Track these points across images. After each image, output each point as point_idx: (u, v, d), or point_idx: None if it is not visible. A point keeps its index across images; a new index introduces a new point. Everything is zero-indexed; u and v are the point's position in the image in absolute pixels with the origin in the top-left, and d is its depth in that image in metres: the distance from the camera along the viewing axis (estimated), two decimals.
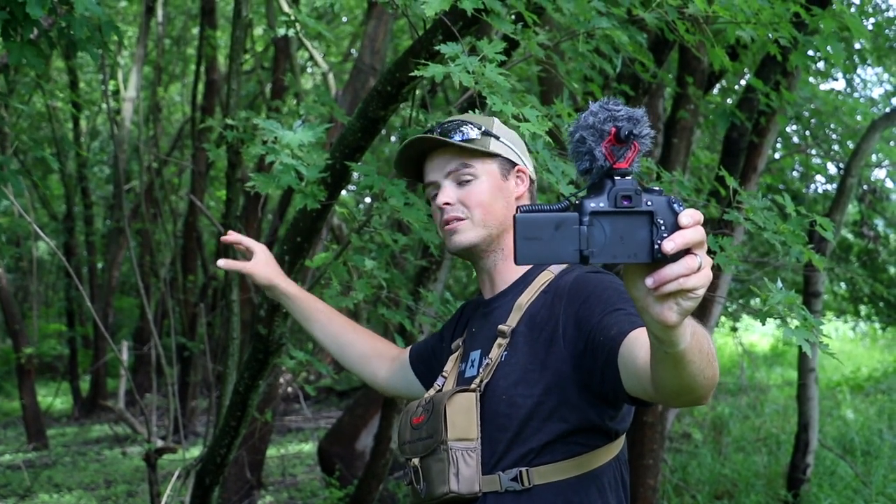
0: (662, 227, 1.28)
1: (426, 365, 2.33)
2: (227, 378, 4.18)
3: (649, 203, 1.30)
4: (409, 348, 2.44)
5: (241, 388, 3.53)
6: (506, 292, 2.06)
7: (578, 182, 2.83)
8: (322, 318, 2.48)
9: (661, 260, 1.28)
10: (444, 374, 2.10)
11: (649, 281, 1.28)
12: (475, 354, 2.04)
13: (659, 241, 1.28)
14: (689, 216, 1.28)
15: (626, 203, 1.30)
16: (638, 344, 1.64)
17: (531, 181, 2.13)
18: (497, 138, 2.07)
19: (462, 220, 2.03)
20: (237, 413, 3.59)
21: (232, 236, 2.56)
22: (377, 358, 2.45)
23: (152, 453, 4.73)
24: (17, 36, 2.91)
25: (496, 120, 2.14)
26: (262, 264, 2.49)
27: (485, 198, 2.03)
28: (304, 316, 2.50)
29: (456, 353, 2.12)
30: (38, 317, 14.56)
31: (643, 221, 1.30)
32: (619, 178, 1.33)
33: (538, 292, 1.98)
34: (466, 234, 2.03)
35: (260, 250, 2.51)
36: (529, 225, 1.31)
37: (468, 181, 2.04)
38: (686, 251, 1.27)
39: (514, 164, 2.09)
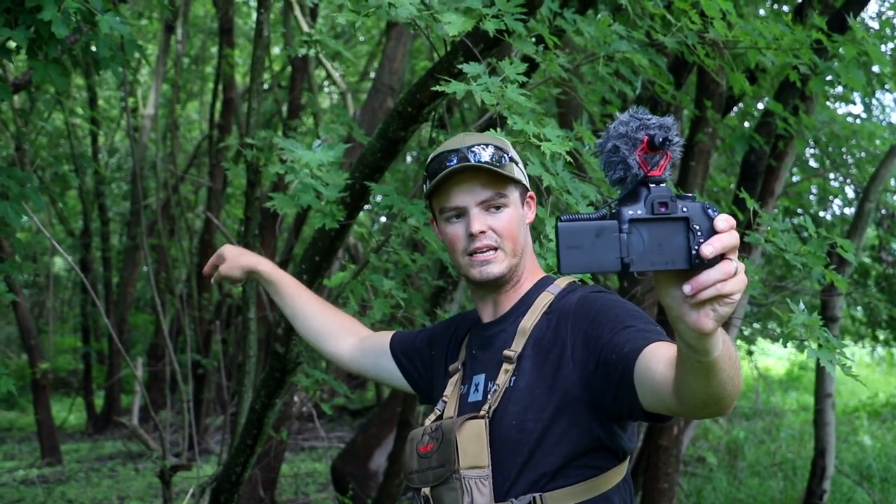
0: (699, 233, 1.29)
1: (409, 360, 2.30)
2: (243, 396, 4.18)
3: (685, 209, 1.31)
4: (389, 334, 2.39)
5: (257, 407, 3.53)
6: (506, 316, 2.04)
7: (597, 202, 2.83)
8: (289, 290, 2.47)
9: (698, 266, 1.28)
10: (444, 398, 2.07)
11: (687, 288, 1.28)
12: (479, 378, 2.02)
13: (696, 247, 1.28)
14: (725, 220, 1.28)
15: (662, 210, 1.31)
16: (655, 359, 1.63)
17: None
18: (517, 164, 2.05)
19: (495, 249, 1.99)
20: (253, 431, 3.60)
21: (206, 270, 2.55)
22: (342, 332, 2.42)
23: (167, 470, 4.73)
24: (42, 54, 2.94)
25: (509, 143, 2.10)
26: (234, 259, 2.48)
27: (514, 227, 2.00)
28: (273, 289, 2.49)
29: (455, 377, 2.09)
30: (53, 332, 14.62)
31: (680, 227, 1.30)
32: (653, 185, 1.34)
33: (540, 314, 1.97)
34: (499, 266, 1.99)
35: (225, 251, 2.50)
36: (572, 234, 1.31)
37: (498, 209, 1.99)
38: (721, 256, 1.27)
39: (527, 190, 2.08)
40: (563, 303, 1.96)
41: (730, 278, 1.27)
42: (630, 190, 1.35)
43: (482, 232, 1.97)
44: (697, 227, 1.29)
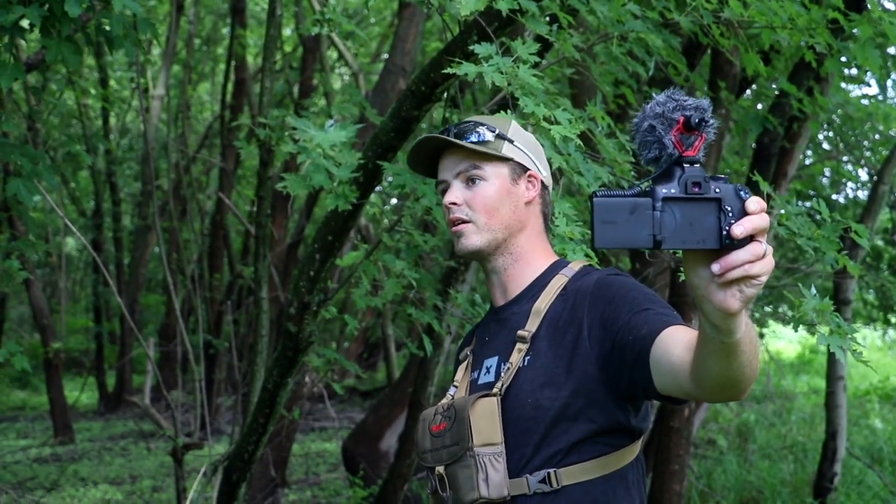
0: (730, 214, 1.32)
1: None
2: (255, 375, 4.20)
3: (717, 190, 1.34)
4: None
5: (269, 386, 3.54)
6: (519, 298, 2.04)
7: (609, 183, 2.82)
8: None
9: (728, 246, 1.31)
10: (454, 384, 2.09)
11: (715, 267, 1.31)
12: (491, 361, 2.02)
13: (727, 227, 1.31)
14: (756, 203, 1.31)
15: (696, 190, 1.34)
16: (672, 342, 1.65)
17: (543, 186, 2.09)
18: (511, 142, 2.04)
19: (467, 223, 2.01)
20: (265, 410, 3.61)
21: None
22: None
23: (179, 449, 4.75)
24: (55, 32, 2.94)
25: (513, 123, 2.11)
26: None
27: (491, 201, 2.00)
28: None
29: (465, 363, 2.10)
30: (65, 312, 14.69)
31: (712, 208, 1.33)
32: (687, 165, 1.37)
33: (555, 296, 1.97)
34: (471, 239, 2.01)
35: None
36: (607, 209, 1.34)
37: (476, 183, 2.01)
38: (750, 238, 1.30)
39: (526, 169, 2.06)
40: (578, 284, 1.96)
41: (758, 260, 1.30)
42: (664, 169, 1.38)
43: (453, 203, 2.01)
44: (729, 208, 1.32)
